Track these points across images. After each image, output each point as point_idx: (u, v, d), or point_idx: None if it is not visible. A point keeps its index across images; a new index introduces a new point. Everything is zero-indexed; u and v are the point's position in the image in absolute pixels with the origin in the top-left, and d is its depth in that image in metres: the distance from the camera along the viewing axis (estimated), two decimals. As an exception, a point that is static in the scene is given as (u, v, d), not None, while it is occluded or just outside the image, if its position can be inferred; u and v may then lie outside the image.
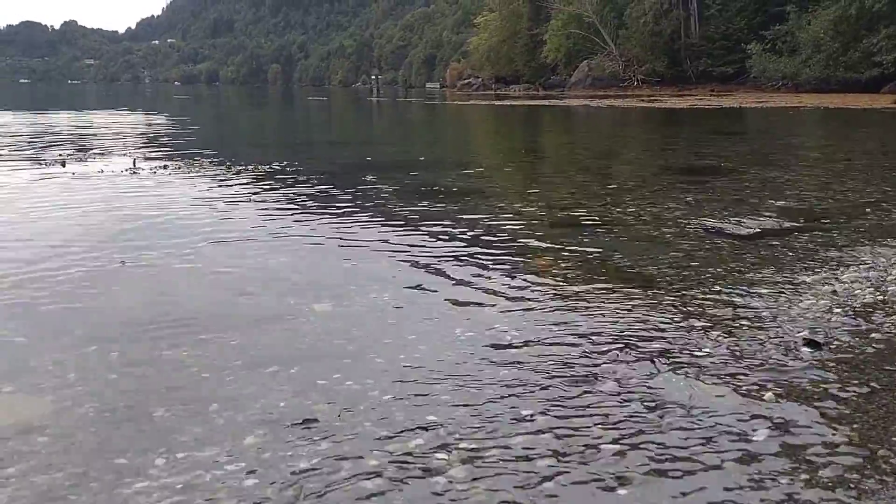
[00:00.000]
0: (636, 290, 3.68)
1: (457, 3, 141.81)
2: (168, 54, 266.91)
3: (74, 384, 2.60)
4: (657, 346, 2.91)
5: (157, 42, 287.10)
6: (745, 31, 48.05)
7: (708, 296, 3.57)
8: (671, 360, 2.76)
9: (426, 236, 5.03)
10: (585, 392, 2.48)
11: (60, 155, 9.94)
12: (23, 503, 1.85)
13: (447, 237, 5.00)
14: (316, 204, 6.40)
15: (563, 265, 4.23)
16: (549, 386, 2.53)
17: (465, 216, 5.74)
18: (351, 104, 44.21)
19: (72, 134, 15.24)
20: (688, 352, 2.85)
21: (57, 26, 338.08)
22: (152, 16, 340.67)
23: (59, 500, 1.86)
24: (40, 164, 9.02)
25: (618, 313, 3.32)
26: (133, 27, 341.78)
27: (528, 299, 3.56)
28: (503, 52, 75.26)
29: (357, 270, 4.16)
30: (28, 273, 3.99)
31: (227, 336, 3.06)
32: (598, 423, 2.24)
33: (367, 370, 2.70)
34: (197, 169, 8.62)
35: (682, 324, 3.17)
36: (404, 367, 2.72)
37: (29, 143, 12.44)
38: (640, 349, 2.88)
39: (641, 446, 2.10)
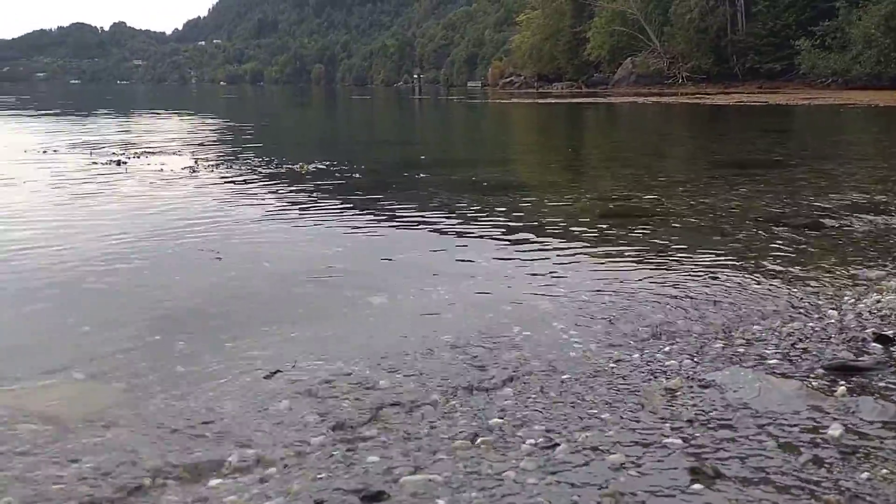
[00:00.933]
0: (695, 279, 3.65)
1: (499, 1, 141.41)
2: (214, 55, 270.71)
3: (146, 373, 2.65)
4: (719, 336, 2.88)
5: (203, 43, 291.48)
6: (793, 27, 47.08)
7: (770, 287, 3.52)
8: (736, 352, 2.73)
9: (479, 229, 5.05)
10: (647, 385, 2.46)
11: (115, 154, 10.16)
12: (99, 495, 1.88)
13: (500, 230, 5.01)
14: (369, 200, 6.45)
15: (618, 254, 4.20)
16: (611, 383, 2.51)
17: (516, 210, 5.75)
18: (394, 103, 44.38)
19: (128, 132, 15.57)
20: (754, 344, 2.81)
21: (106, 28, 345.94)
22: (198, 17, 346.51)
23: (139, 493, 1.90)
24: (97, 163, 9.22)
25: (678, 302, 3.30)
26: (180, 28, 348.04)
27: (585, 290, 3.54)
28: (545, 50, 74.91)
29: (412, 263, 4.19)
30: (95, 265, 4.10)
31: (288, 328, 3.10)
32: (668, 419, 2.22)
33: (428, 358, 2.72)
34: (250, 167, 8.75)
35: (744, 314, 3.13)
36: (460, 365, 2.73)
37: (86, 141, 12.74)
38: (704, 341, 2.84)
39: (710, 443, 2.07)
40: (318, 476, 1.92)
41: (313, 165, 8.84)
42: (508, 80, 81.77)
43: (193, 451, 2.07)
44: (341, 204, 6.25)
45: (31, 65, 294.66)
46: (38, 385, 2.53)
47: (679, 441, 2.05)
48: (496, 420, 2.21)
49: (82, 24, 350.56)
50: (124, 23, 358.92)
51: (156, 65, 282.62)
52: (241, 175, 8.08)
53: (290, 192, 6.98)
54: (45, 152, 10.55)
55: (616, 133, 17.75)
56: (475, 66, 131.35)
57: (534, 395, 2.39)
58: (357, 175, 8.14)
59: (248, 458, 2.03)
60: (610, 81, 60.47)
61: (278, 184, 7.51)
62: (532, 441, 2.07)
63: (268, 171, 8.52)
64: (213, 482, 1.91)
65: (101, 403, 2.41)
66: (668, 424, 2.16)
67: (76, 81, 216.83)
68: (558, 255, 4.29)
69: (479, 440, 2.08)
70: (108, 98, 46.27)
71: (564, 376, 2.55)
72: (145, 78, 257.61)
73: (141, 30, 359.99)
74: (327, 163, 9.18)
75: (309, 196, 6.70)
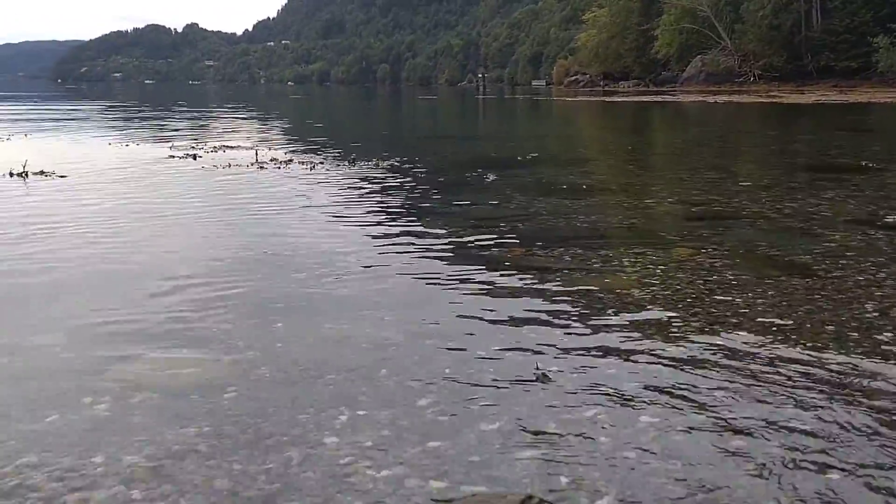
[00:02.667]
0: (791, 279, 3.61)
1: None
2: (282, 55, 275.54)
3: (245, 350, 2.77)
4: (826, 334, 2.86)
5: (272, 43, 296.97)
6: (870, 23, 45.55)
7: (873, 284, 3.47)
8: (852, 344, 2.72)
9: (559, 230, 5.06)
10: (762, 381, 2.46)
11: (193, 148, 10.49)
12: (221, 457, 1.99)
13: (582, 231, 5.02)
14: (443, 198, 6.52)
15: (706, 255, 4.17)
16: (722, 380, 2.52)
17: (594, 211, 5.75)
18: (460, 102, 44.50)
19: (202, 129, 16.04)
20: (866, 337, 2.79)
21: (180, 29, 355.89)
22: (268, 18, 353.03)
23: (257, 451, 2.00)
24: (174, 157, 9.54)
25: (776, 300, 3.27)
26: (250, 29, 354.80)
27: (675, 289, 3.54)
28: (612, 48, 74.16)
29: (489, 258, 4.25)
30: (187, 257, 4.28)
31: (381, 313, 3.19)
32: (793, 406, 2.22)
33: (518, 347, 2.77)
34: (321, 164, 8.93)
35: (853, 310, 3.11)
36: (540, 343, 2.77)
37: (165, 134, 13.18)
38: (818, 337, 2.83)
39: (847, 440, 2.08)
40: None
41: (387, 163, 8.97)
42: (574, 78, 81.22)
43: (303, 412, 2.17)
44: (421, 203, 6.34)
45: (108, 65, 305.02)
46: (154, 360, 2.68)
47: None
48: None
49: (157, 25, 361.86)
50: (197, 24, 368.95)
51: (226, 65, 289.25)
52: (312, 170, 8.26)
53: (368, 189, 7.10)
54: (126, 146, 10.99)
55: (689, 133, 17.46)
56: (540, 64, 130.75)
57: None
58: (429, 174, 8.23)
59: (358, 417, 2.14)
60: (678, 80, 59.50)
61: (352, 180, 7.65)
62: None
63: (341, 166, 8.68)
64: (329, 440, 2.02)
65: (208, 375, 2.53)
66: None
67: (150, 81, 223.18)
68: (652, 258, 4.29)
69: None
70: (181, 97, 47.56)
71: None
72: (216, 78, 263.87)
73: (213, 31, 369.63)
74: (399, 160, 9.30)
75: (387, 194, 6.82)
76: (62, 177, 7.36)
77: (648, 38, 66.64)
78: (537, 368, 2.51)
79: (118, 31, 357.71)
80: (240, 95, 58.10)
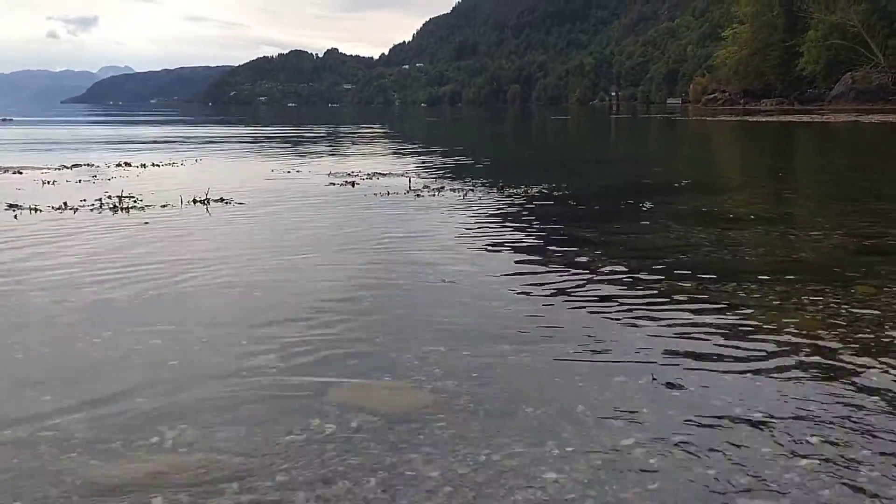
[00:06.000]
0: None
1: (703, 16, 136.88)
2: (416, 77, 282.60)
3: (443, 378, 2.95)
4: None
5: (406, 66, 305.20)
6: None
7: None
8: None
9: (726, 263, 5.01)
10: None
11: (350, 175, 11.01)
12: (436, 482, 2.15)
13: (750, 265, 4.95)
14: (599, 227, 6.56)
15: (890, 294, 4.02)
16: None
17: (759, 243, 5.64)
18: (593, 123, 44.15)
19: (351, 154, 16.75)
20: None
21: (321, 54, 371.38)
22: (403, 42, 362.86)
23: (476, 482, 2.15)
24: (333, 184, 10.04)
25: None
26: (386, 53, 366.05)
27: (866, 332, 3.44)
28: (753, 65, 71.63)
29: (661, 291, 4.27)
30: (368, 284, 4.56)
31: (562, 345, 3.30)
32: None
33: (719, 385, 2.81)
34: (473, 189, 9.16)
35: None
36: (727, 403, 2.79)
37: (319, 160, 13.86)
38: None
39: None
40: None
41: (536, 189, 9.09)
42: (711, 96, 78.95)
43: (516, 443, 2.31)
44: (577, 231, 6.42)
45: (255, 89, 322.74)
46: (359, 385, 2.90)
47: None
48: None
49: (300, 51, 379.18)
50: (337, 49, 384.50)
51: (363, 88, 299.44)
52: (464, 198, 8.47)
53: (523, 217, 7.24)
54: (287, 172, 11.69)
55: (842, 156, 16.63)
56: (675, 82, 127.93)
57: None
58: (580, 200, 8.27)
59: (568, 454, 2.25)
60: (825, 97, 56.69)
61: (506, 207, 7.81)
62: None
63: (493, 194, 8.86)
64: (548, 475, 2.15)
65: (414, 403, 2.72)
66: None
67: (292, 104, 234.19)
68: (833, 296, 4.20)
69: None
70: (323, 119, 49.57)
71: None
72: (353, 101, 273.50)
73: (351, 55, 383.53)
74: (547, 186, 9.39)
75: (543, 222, 6.94)
76: (240, 203, 7.93)
77: (793, 54, 64.01)
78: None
79: (264, 56, 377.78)
80: (377, 118, 59.93)
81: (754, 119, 38.08)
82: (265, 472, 2.18)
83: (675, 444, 2.33)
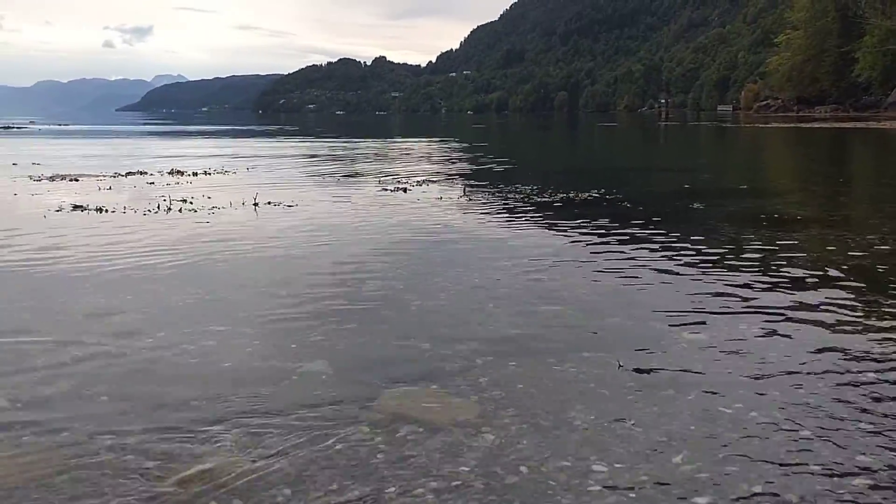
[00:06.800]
0: None
1: (755, 22, 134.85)
2: (463, 85, 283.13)
3: (490, 388, 2.94)
4: None
5: (454, 74, 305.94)
6: None
7: None
8: None
9: (779, 267, 4.91)
10: None
11: (401, 181, 11.07)
12: (482, 493, 2.14)
13: (805, 270, 4.85)
14: (654, 233, 6.49)
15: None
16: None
17: (816, 248, 5.53)
18: (642, 130, 43.72)
19: (399, 160, 16.85)
20: None
21: (369, 62, 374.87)
22: (451, 49, 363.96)
23: (523, 494, 2.14)
24: (386, 189, 10.12)
25: None
26: (433, 61, 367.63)
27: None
28: (807, 72, 70.35)
29: (716, 301, 4.20)
30: (416, 287, 4.57)
31: (607, 356, 3.27)
32: None
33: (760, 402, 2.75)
34: (523, 195, 9.14)
35: None
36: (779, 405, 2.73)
37: (366, 166, 13.98)
38: None
39: None
40: None
41: (586, 194, 9.03)
42: (764, 103, 77.78)
43: (561, 460, 2.29)
44: (624, 237, 6.36)
45: (303, 97, 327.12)
46: (406, 393, 2.91)
47: None
48: None
49: (348, 59, 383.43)
50: (384, 57, 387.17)
51: (410, 96, 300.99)
52: (515, 203, 8.46)
53: (570, 221, 7.20)
54: (339, 179, 11.82)
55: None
56: (727, 89, 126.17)
57: None
58: (630, 205, 8.21)
59: (616, 470, 2.22)
60: (882, 104, 55.32)
61: (556, 213, 7.77)
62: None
63: (542, 199, 8.82)
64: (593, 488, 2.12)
65: (462, 412, 2.72)
66: None
67: (340, 112, 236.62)
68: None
69: None
70: (371, 127, 50.00)
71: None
72: (400, 108, 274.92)
73: (399, 63, 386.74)
74: (597, 191, 9.33)
75: (592, 227, 6.89)
76: (289, 206, 8.06)
77: (848, 60, 62.64)
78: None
79: (313, 65, 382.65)
80: (425, 125, 60.23)
81: (808, 126, 37.30)
82: (316, 478, 2.20)
83: (722, 460, 2.29)
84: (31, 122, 59.80)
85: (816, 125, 37.95)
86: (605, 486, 2.14)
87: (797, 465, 2.24)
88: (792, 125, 39.19)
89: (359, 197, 9.40)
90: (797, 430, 2.48)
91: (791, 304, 4.05)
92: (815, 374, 3.02)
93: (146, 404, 2.77)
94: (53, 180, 11.58)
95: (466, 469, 2.25)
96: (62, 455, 2.36)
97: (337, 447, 2.41)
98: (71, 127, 48.24)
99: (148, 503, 2.07)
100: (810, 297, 4.19)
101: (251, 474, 2.22)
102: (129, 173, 12.90)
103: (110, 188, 10.37)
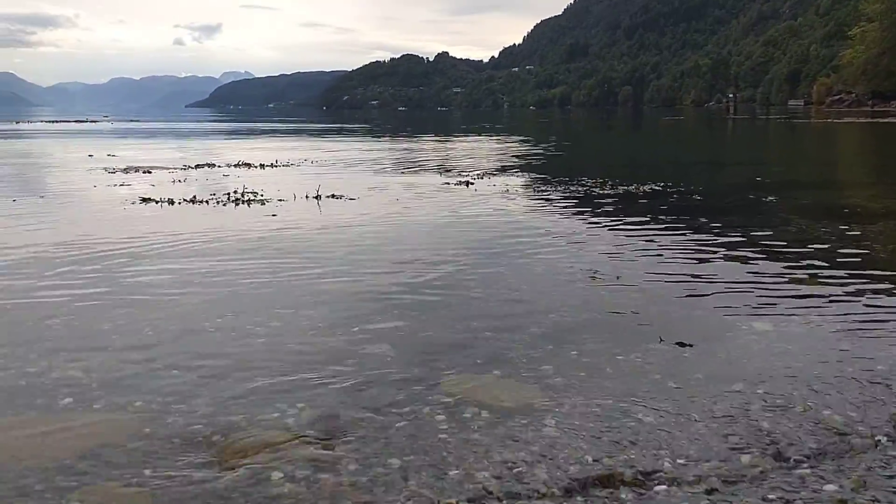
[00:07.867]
0: None
1: (828, 14, 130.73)
2: (526, 80, 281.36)
3: (552, 376, 2.93)
4: None
5: (516, 69, 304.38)
6: None
7: None
8: None
9: (853, 259, 4.77)
10: None
11: (464, 175, 11.09)
12: (544, 481, 2.14)
13: (879, 262, 4.70)
14: (721, 224, 6.37)
15: None
16: None
17: (892, 241, 5.35)
18: (709, 125, 42.81)
19: (463, 155, 16.87)
20: None
21: (431, 58, 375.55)
22: (514, 44, 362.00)
23: (585, 485, 2.13)
24: (448, 183, 10.14)
25: None
26: (496, 56, 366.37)
27: None
28: (882, 65, 67.85)
29: (786, 291, 4.10)
30: (472, 275, 4.59)
31: (672, 347, 3.21)
32: None
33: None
34: (586, 188, 9.06)
35: None
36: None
37: (429, 160, 14.02)
38: None
39: None
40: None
41: (648, 186, 8.90)
42: (837, 97, 75.44)
43: (624, 454, 2.27)
44: (689, 226, 6.25)
45: (367, 93, 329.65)
46: (468, 377, 2.92)
47: None
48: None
49: (411, 55, 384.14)
50: (447, 53, 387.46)
51: (472, 91, 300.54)
52: (580, 196, 8.40)
53: (633, 213, 7.11)
54: (402, 173, 11.89)
55: None
56: (797, 83, 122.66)
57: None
58: (696, 197, 8.06)
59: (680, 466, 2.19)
60: (966, 98, 53.00)
61: (623, 205, 7.68)
62: None
63: (604, 191, 8.74)
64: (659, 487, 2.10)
65: (524, 399, 2.71)
66: None
67: (403, 108, 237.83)
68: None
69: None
70: (435, 123, 50.08)
71: None
72: (462, 104, 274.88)
73: (461, 59, 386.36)
74: (661, 184, 9.19)
75: (661, 219, 6.79)
76: (351, 199, 8.17)
77: (928, 52, 60.15)
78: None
79: (377, 61, 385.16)
80: (487, 120, 60.11)
81: (884, 121, 35.98)
82: (381, 455, 2.23)
83: (792, 459, 2.23)
84: (105, 117, 61.78)
85: (893, 120, 36.56)
86: (670, 484, 2.10)
87: (869, 468, 2.18)
88: (866, 120, 37.86)
89: (422, 189, 9.44)
90: (863, 425, 2.41)
91: (866, 296, 3.93)
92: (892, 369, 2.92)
93: (215, 379, 2.85)
94: (128, 172, 11.96)
95: (528, 456, 2.25)
96: (135, 422, 2.46)
97: (399, 424, 2.44)
98: (143, 124, 49.62)
99: (214, 471, 2.13)
100: (886, 289, 4.05)
101: (314, 446, 2.26)
102: (198, 166, 13.24)
103: (183, 180, 10.66)
